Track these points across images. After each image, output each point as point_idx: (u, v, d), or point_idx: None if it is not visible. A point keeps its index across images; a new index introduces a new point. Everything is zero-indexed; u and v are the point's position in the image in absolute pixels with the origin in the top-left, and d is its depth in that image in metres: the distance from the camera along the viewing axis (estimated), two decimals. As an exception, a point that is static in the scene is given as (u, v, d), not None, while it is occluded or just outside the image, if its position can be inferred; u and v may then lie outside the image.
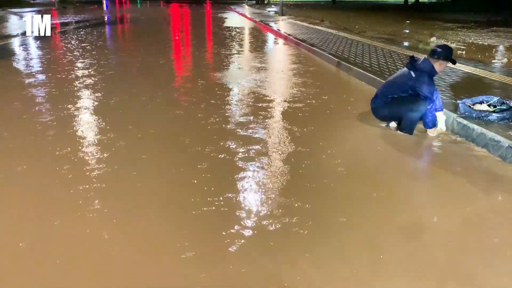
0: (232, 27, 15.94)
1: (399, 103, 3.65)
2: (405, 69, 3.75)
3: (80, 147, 3.36)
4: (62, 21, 16.77)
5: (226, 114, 4.35)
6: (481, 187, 2.79)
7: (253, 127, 3.91)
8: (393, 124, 3.91)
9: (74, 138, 3.60)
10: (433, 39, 10.57)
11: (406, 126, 3.69)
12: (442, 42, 4.55)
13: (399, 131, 3.75)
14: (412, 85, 3.60)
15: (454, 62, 3.70)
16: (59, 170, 2.92)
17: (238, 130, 3.84)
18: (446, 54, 3.61)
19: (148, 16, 22.31)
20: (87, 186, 2.68)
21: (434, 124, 3.67)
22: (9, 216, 2.36)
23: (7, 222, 2.29)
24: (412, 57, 3.77)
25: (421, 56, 3.76)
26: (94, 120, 4.12)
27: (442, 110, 3.68)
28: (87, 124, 4.00)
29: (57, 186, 2.70)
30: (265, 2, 43.76)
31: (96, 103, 4.73)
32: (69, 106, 4.55)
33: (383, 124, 3.93)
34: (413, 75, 3.61)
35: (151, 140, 3.61)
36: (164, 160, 3.18)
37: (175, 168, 3.01)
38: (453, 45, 9.42)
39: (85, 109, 4.50)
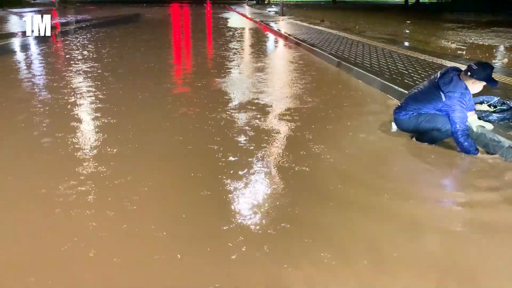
0: (232, 27, 15.95)
1: (428, 121, 3.36)
2: (433, 86, 3.36)
3: (79, 144, 3.37)
4: (62, 21, 16.78)
5: (227, 115, 4.35)
6: (481, 187, 2.79)
7: (253, 128, 3.91)
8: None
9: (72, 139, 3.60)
10: (433, 39, 10.57)
11: (426, 140, 3.48)
12: (483, 60, 3.98)
13: (415, 139, 3.55)
14: (441, 108, 3.30)
15: (493, 84, 3.24)
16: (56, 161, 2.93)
17: (239, 132, 3.84)
18: (483, 75, 3.19)
19: (148, 16, 22.32)
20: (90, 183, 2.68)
21: (475, 148, 3.27)
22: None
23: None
24: (443, 74, 3.36)
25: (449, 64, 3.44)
26: (93, 117, 4.11)
27: (472, 110, 3.39)
28: (86, 119, 4.00)
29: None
30: (265, 2, 43.81)
31: (93, 100, 4.73)
32: (68, 104, 4.56)
33: (388, 127, 3.90)
34: (443, 98, 3.26)
35: (152, 143, 3.61)
36: (162, 162, 3.18)
37: (175, 176, 3.01)
38: (453, 45, 9.44)
39: (84, 107, 4.50)
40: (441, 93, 3.28)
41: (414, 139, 3.58)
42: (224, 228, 2.24)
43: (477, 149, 3.28)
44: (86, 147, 3.36)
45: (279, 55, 9.20)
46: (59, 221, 2.29)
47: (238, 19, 20.70)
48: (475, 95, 3.44)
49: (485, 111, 3.72)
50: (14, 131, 3.79)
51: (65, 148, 3.33)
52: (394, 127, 3.84)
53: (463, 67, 3.40)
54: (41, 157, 3.18)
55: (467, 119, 3.38)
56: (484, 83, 3.26)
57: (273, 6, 36.09)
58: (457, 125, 3.22)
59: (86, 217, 2.33)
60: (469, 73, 3.23)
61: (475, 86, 3.27)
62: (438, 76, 3.39)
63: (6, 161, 3.11)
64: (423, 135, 3.51)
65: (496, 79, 3.28)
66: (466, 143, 3.24)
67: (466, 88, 3.24)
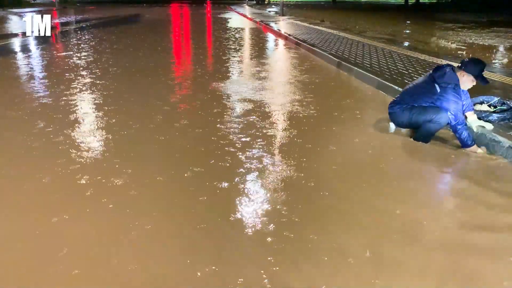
0: (233, 27, 15.95)
1: (419, 113, 3.44)
2: (428, 79, 3.48)
3: (80, 141, 3.37)
4: (62, 21, 16.78)
5: (228, 116, 4.35)
6: (481, 188, 2.78)
7: (254, 130, 3.91)
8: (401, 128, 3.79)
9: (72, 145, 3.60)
10: (433, 39, 10.57)
11: (422, 137, 3.51)
12: (476, 57, 4.14)
13: (413, 139, 3.57)
14: (436, 100, 3.37)
15: (483, 81, 3.32)
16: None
17: (240, 133, 3.84)
18: (473, 70, 3.30)
19: (148, 17, 22.32)
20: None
21: (471, 140, 3.33)
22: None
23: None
24: (437, 68, 3.46)
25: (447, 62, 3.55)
26: (92, 117, 4.11)
27: (471, 110, 3.49)
28: (84, 119, 4.00)
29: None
30: (266, 2, 43.84)
31: (92, 100, 4.74)
32: (66, 104, 4.57)
33: (387, 127, 3.91)
34: (438, 89, 3.36)
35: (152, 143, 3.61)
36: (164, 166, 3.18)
37: (177, 182, 3.01)
38: (453, 45, 9.44)
39: (83, 106, 4.50)
40: (436, 85, 3.39)
41: (412, 139, 3.60)
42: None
43: (473, 141, 3.35)
44: (85, 148, 3.37)
45: (279, 55, 9.19)
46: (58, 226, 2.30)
47: (238, 19, 20.69)
48: (470, 92, 3.50)
49: (485, 111, 3.72)
50: (12, 131, 3.79)
51: (63, 148, 3.34)
52: (392, 126, 3.86)
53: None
54: (38, 156, 3.19)
55: (467, 118, 3.44)
56: (473, 78, 3.34)
57: (273, 6, 36.11)
58: (453, 115, 3.30)
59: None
60: (459, 67, 3.37)
61: (464, 79, 3.36)
62: (432, 71, 3.51)
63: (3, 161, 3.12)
64: (418, 132, 3.55)
65: (488, 80, 3.37)
66: (463, 131, 3.30)
67: (459, 81, 3.35)
